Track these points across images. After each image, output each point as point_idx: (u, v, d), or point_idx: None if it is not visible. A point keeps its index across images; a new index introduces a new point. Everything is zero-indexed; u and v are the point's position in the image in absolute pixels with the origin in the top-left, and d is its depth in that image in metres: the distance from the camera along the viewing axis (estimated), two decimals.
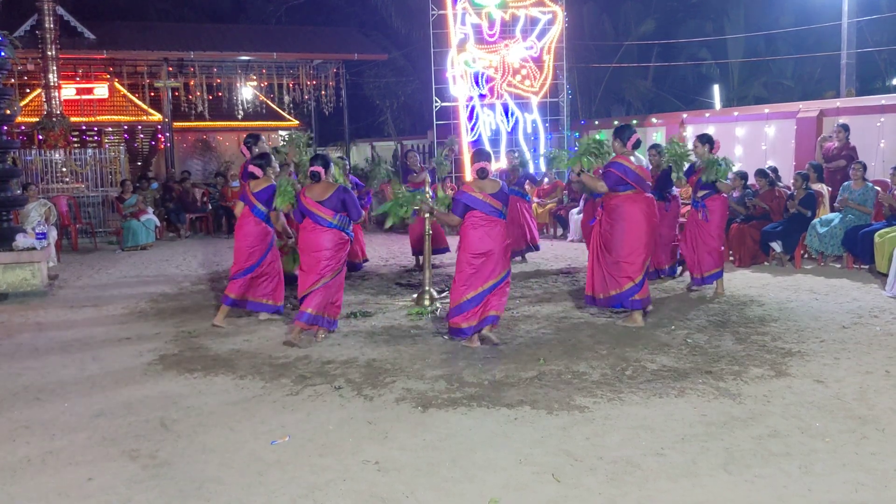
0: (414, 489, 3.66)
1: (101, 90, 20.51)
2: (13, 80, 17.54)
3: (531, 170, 12.55)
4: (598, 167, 6.96)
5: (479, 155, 6.32)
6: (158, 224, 14.02)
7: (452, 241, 8.21)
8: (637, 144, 6.91)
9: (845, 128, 10.87)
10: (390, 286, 9.10)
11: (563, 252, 11.70)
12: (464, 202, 6.19)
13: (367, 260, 10.26)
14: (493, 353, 6.03)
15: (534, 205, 12.67)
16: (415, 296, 8.01)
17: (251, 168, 7.08)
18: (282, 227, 7.37)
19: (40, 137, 16.47)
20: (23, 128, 18.12)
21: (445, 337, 6.49)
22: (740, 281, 8.76)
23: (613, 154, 6.92)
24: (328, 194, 6.36)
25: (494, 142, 15.57)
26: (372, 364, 5.75)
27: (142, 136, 21.99)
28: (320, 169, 6.42)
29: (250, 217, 7.00)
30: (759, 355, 5.76)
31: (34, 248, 8.80)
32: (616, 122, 17.54)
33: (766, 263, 9.71)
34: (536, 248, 11.06)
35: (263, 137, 8.07)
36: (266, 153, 7.34)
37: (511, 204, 7.48)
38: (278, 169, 7.46)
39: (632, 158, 6.85)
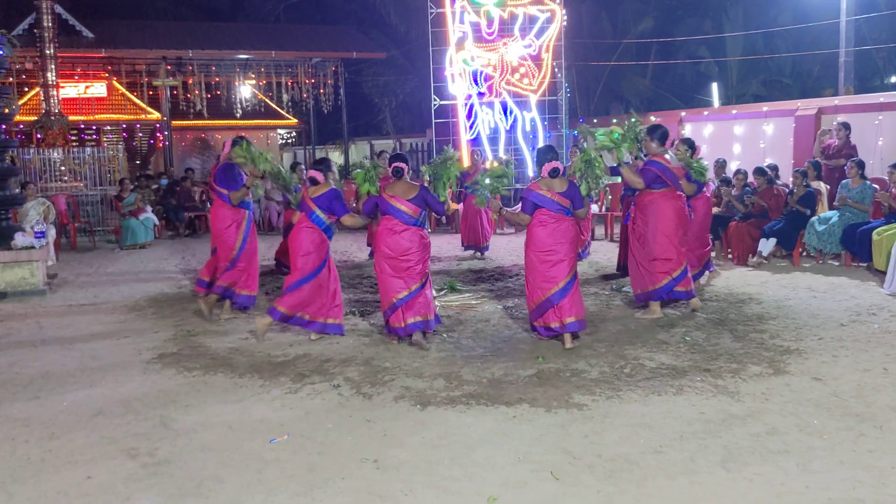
0: (413, 487, 3.67)
1: (99, 89, 20.52)
2: (12, 79, 17.56)
3: (529, 169, 12.38)
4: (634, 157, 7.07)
5: (549, 153, 6.22)
6: (157, 222, 14.01)
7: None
8: (671, 143, 7.05)
9: (846, 126, 10.81)
10: None
11: None
12: (532, 200, 6.15)
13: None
14: (492, 351, 6.03)
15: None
16: None
17: (311, 173, 6.51)
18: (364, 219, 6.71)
19: (39, 136, 16.49)
20: (21, 126, 18.14)
21: (444, 336, 6.50)
22: (738, 279, 8.75)
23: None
24: (413, 193, 6.24)
25: (493, 140, 15.58)
26: (371, 362, 5.76)
27: (140, 134, 22.03)
28: (404, 165, 6.31)
29: (306, 223, 6.40)
30: (758, 353, 5.76)
31: (33, 247, 8.79)
32: (615, 121, 17.59)
33: (751, 257, 9.62)
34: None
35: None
36: (326, 158, 6.99)
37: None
38: (337, 175, 6.95)
39: (667, 156, 6.92)
